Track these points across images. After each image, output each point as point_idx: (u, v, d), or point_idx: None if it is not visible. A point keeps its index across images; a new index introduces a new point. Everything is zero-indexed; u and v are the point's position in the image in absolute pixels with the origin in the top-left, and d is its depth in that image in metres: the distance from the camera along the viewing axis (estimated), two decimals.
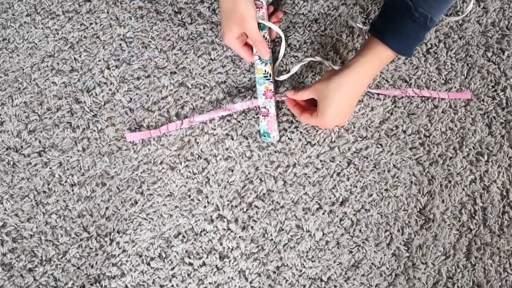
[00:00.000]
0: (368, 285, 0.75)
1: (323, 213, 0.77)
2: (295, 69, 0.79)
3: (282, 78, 0.79)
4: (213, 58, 0.82)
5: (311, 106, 0.76)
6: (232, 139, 0.79)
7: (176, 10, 0.83)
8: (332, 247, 0.76)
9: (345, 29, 0.83)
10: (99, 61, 0.82)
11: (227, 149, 0.79)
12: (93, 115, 0.80)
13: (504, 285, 0.75)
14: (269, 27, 0.78)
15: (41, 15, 0.83)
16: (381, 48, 0.67)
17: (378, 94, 0.80)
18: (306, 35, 0.83)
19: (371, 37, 0.69)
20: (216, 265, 0.76)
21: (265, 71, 0.77)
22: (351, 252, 0.76)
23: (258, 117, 0.79)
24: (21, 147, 0.80)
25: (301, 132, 0.79)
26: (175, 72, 0.82)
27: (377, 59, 0.68)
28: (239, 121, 0.80)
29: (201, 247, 0.77)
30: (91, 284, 0.76)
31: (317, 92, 0.72)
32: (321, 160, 0.79)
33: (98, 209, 0.78)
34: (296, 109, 0.76)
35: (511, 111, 0.80)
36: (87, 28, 0.85)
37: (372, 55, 0.68)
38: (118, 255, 0.77)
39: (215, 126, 0.80)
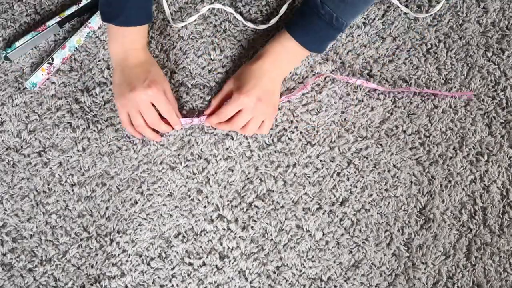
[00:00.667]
0: (368, 285, 0.75)
1: (323, 213, 0.77)
2: (192, 19, 0.81)
3: (180, 25, 0.81)
4: (213, 58, 0.82)
5: None
6: (232, 139, 0.79)
7: (176, 10, 0.83)
8: (332, 247, 0.76)
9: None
10: (99, 61, 0.82)
11: (227, 149, 0.79)
12: (93, 115, 0.80)
13: (504, 285, 0.75)
14: None
15: (41, 15, 0.83)
16: (287, 39, 0.71)
17: (383, 92, 0.80)
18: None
19: (283, 29, 0.73)
20: (216, 265, 0.76)
21: None
22: (351, 252, 0.76)
23: None
24: (21, 147, 0.80)
25: (301, 132, 0.79)
26: (175, 72, 0.82)
27: (284, 50, 0.72)
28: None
29: (201, 247, 0.77)
30: (91, 284, 0.76)
31: (234, 81, 0.76)
32: (321, 160, 0.79)
33: (98, 209, 0.78)
34: (221, 125, 0.76)
35: (511, 111, 0.80)
36: None
37: (279, 46, 0.73)
38: (118, 255, 0.77)
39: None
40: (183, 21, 0.82)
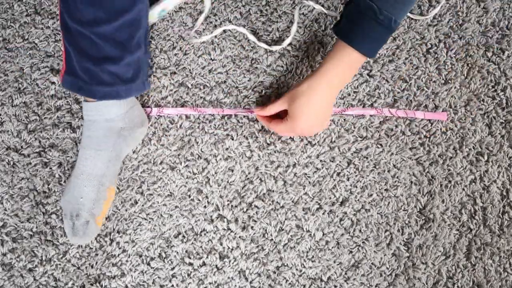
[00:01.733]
0: (368, 285, 0.75)
1: (323, 213, 0.77)
2: (208, 37, 0.81)
3: (194, 41, 0.81)
4: (213, 58, 0.82)
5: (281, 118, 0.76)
6: (232, 139, 0.79)
7: (176, 10, 0.83)
8: (332, 247, 0.76)
9: None
10: None
11: (227, 149, 0.79)
12: None
13: (504, 285, 0.75)
14: None
15: (41, 15, 0.83)
16: (349, 52, 0.68)
17: (354, 116, 0.80)
18: (306, 35, 0.83)
19: (339, 40, 0.69)
20: (216, 265, 0.76)
21: None
22: (351, 252, 0.76)
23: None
24: (21, 147, 0.80)
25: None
26: (175, 72, 0.82)
27: (347, 63, 0.68)
28: (239, 121, 0.80)
29: (201, 247, 0.77)
30: (91, 284, 0.76)
31: (287, 100, 0.72)
32: (321, 160, 0.79)
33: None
34: (265, 120, 0.76)
35: (511, 111, 0.80)
36: None
37: (341, 59, 0.68)
38: (118, 255, 0.77)
39: (215, 126, 0.80)
40: (198, 37, 0.81)
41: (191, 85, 0.81)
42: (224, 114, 0.80)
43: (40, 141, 0.80)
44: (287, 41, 0.80)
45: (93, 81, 0.68)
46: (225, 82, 0.82)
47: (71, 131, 0.80)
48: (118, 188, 0.79)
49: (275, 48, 0.80)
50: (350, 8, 0.67)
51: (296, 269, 0.76)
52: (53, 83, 0.81)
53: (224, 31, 0.82)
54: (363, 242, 0.76)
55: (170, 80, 0.81)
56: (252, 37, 0.81)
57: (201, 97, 0.81)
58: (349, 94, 0.80)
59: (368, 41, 0.66)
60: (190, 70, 0.82)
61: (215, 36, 0.82)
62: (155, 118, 0.80)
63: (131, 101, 0.75)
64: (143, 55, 0.72)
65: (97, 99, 0.70)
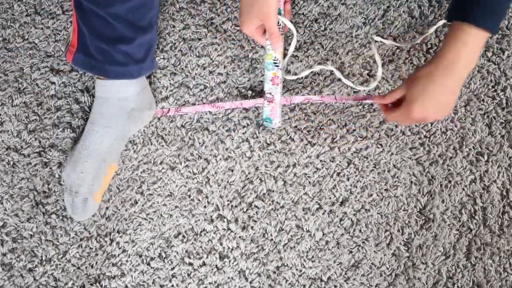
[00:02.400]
0: (368, 285, 0.75)
1: (323, 213, 0.77)
2: (304, 73, 0.79)
3: (289, 78, 0.80)
4: (213, 59, 0.82)
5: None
6: (232, 139, 0.80)
7: (177, 10, 0.83)
8: (332, 247, 0.77)
9: (344, 29, 0.83)
10: None
11: (227, 149, 0.79)
12: None
13: (504, 285, 0.75)
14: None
15: (41, 15, 0.83)
16: (468, 31, 0.62)
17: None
18: (306, 35, 0.83)
19: (455, 24, 0.64)
20: (216, 265, 0.77)
21: (275, 57, 0.76)
22: (351, 252, 0.76)
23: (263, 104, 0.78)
24: (21, 147, 0.80)
25: (302, 132, 0.79)
26: (175, 73, 0.82)
27: (464, 48, 0.63)
28: (239, 121, 0.80)
29: (201, 247, 0.77)
30: (91, 284, 0.77)
31: (405, 85, 0.68)
32: (321, 160, 0.79)
33: (98, 209, 0.78)
34: (385, 109, 0.74)
35: (511, 111, 0.80)
36: None
37: (461, 41, 0.63)
38: (118, 255, 0.77)
39: (216, 126, 0.80)
40: (295, 74, 0.80)
41: (192, 85, 0.82)
42: (227, 111, 0.80)
43: (40, 141, 0.80)
44: (373, 84, 0.79)
45: (106, 61, 0.70)
46: (225, 82, 0.82)
47: (71, 131, 0.80)
48: (118, 188, 0.79)
49: (362, 88, 0.79)
50: None
51: (296, 269, 0.76)
52: (53, 83, 0.81)
53: (225, 31, 0.82)
54: (363, 242, 0.77)
55: (170, 80, 0.82)
56: (341, 77, 0.79)
57: (201, 98, 0.81)
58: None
59: (489, 15, 0.62)
60: (190, 70, 0.82)
61: (224, 39, 0.82)
62: (155, 118, 0.80)
63: (143, 83, 0.77)
64: (154, 35, 0.74)
65: (110, 79, 0.72)
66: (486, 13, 0.62)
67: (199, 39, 0.82)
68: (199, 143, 0.80)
